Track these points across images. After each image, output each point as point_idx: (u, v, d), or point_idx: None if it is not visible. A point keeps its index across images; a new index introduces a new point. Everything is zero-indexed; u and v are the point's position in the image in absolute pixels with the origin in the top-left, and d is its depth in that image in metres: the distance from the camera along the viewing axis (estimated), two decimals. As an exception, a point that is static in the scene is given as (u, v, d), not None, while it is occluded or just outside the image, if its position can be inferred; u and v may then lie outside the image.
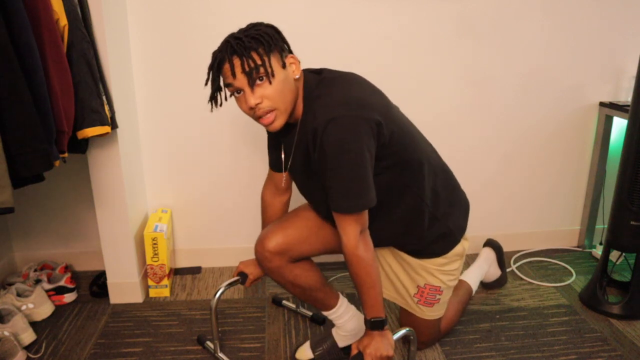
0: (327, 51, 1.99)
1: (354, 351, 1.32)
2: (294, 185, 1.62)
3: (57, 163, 1.39)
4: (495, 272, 1.99)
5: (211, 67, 1.25)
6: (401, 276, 1.59)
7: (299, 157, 1.38)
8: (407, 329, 1.42)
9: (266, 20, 1.28)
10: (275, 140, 1.51)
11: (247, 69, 1.19)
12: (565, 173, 2.30)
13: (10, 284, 1.96)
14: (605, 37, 2.12)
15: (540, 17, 2.06)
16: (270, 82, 1.21)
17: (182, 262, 2.23)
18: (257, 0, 1.92)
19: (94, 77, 1.54)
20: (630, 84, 2.18)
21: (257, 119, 1.25)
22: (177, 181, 2.13)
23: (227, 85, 1.25)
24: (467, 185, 1.61)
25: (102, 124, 1.56)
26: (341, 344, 1.62)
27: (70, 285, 1.95)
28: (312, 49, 1.90)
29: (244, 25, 2.02)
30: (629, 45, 2.15)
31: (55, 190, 2.07)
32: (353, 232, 1.28)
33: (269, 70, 1.20)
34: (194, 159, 2.10)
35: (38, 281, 1.93)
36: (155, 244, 1.93)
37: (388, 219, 1.43)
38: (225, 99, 1.30)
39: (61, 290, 1.94)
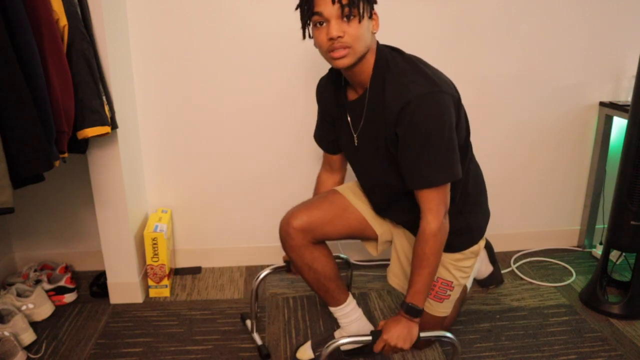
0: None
1: (379, 328, 1.37)
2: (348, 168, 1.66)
3: (57, 163, 1.39)
4: (487, 269, 1.99)
5: None
6: None
7: (369, 126, 1.39)
8: (449, 333, 1.40)
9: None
10: (336, 111, 1.52)
11: (345, 1, 1.21)
12: (565, 173, 2.30)
13: (11, 284, 1.96)
14: (605, 37, 2.12)
15: (540, 16, 2.06)
16: (359, 22, 1.24)
17: (182, 262, 2.23)
18: (256, 1, 1.92)
19: (94, 77, 1.54)
20: (630, 84, 2.18)
21: (330, 51, 1.26)
22: (177, 181, 2.13)
23: (314, 13, 1.25)
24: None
25: (102, 124, 1.56)
26: (343, 346, 1.62)
27: (70, 286, 1.95)
28: (310, 49, 1.90)
29: (244, 26, 2.02)
30: (629, 45, 2.15)
31: (56, 190, 2.07)
32: (440, 211, 1.33)
33: (362, 11, 1.23)
34: (194, 159, 2.10)
35: (38, 281, 1.93)
36: (155, 244, 1.93)
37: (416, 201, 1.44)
38: (310, 35, 1.31)
39: (61, 291, 1.94)
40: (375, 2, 1.31)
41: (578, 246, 2.39)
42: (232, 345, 1.71)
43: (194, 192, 2.15)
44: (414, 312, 1.35)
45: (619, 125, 2.21)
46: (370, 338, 1.36)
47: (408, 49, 2.05)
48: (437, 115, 1.25)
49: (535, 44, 2.10)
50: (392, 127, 1.31)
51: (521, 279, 2.12)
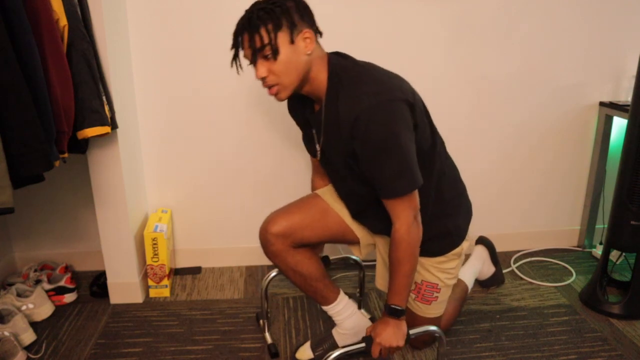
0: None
1: (367, 334, 1.37)
2: None
3: (57, 163, 1.39)
4: (489, 269, 1.99)
5: (234, 34, 1.30)
6: None
7: (329, 139, 1.39)
8: (434, 327, 1.44)
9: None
10: (305, 124, 1.53)
11: (253, 46, 1.25)
12: (565, 173, 2.30)
13: (11, 284, 1.96)
14: (605, 37, 2.12)
15: (540, 16, 2.06)
16: (275, 59, 1.25)
17: (182, 262, 2.23)
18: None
19: (94, 77, 1.54)
20: (630, 84, 2.18)
21: (267, 89, 1.31)
22: (177, 181, 2.13)
23: (245, 55, 1.30)
24: (466, 185, 1.62)
25: (102, 124, 1.56)
26: (341, 343, 1.62)
27: (70, 286, 1.95)
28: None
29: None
30: (629, 45, 2.15)
31: (56, 190, 2.07)
32: (407, 217, 1.32)
33: (275, 48, 1.24)
34: (194, 159, 2.10)
35: (38, 281, 1.93)
36: (155, 244, 1.94)
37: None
38: (241, 67, 1.34)
39: (61, 291, 1.94)
40: (296, 25, 1.24)
41: (578, 246, 2.39)
42: (232, 345, 1.71)
43: (194, 192, 2.15)
44: (397, 313, 1.36)
45: (619, 125, 2.22)
46: (363, 345, 1.36)
47: (408, 49, 2.07)
48: (389, 125, 1.24)
49: (535, 44, 2.10)
50: (348, 141, 1.30)
51: (521, 279, 2.12)
